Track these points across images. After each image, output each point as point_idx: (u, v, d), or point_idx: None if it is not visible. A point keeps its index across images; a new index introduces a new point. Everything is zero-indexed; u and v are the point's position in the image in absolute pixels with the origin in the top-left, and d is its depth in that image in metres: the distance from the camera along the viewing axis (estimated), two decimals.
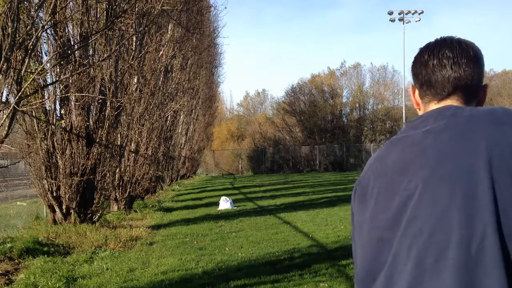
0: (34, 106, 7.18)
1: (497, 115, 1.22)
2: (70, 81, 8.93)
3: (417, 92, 1.39)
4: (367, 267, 1.26)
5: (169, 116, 19.59)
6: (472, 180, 1.14)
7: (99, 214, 10.05)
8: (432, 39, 1.38)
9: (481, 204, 1.12)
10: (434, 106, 1.34)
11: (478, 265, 1.10)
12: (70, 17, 8.60)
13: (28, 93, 5.96)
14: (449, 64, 1.29)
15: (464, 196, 1.14)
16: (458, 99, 1.32)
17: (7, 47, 4.77)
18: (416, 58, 1.37)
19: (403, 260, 1.17)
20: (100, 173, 10.03)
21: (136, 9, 10.11)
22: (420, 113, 1.39)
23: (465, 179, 1.15)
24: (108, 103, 9.96)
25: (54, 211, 9.69)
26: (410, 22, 38.21)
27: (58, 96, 8.98)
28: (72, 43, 8.93)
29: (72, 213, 9.56)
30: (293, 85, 50.90)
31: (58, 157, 9.34)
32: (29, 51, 5.30)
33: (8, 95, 5.32)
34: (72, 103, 9.35)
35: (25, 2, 6.08)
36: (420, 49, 1.37)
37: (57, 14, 7.11)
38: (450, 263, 1.11)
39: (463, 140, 1.19)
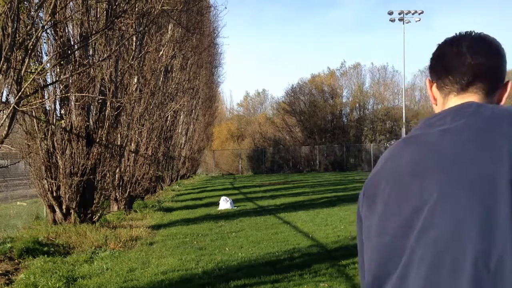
0: (34, 106, 7.18)
1: None
2: (70, 81, 8.93)
3: (434, 86, 1.33)
4: (375, 273, 1.19)
5: (169, 116, 19.59)
6: (492, 189, 1.06)
7: (99, 214, 10.05)
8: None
9: (501, 217, 1.04)
10: (453, 98, 1.28)
11: (497, 281, 1.03)
12: (70, 17, 8.60)
13: (28, 93, 5.96)
14: (469, 52, 1.25)
15: (483, 207, 1.06)
16: (478, 91, 1.26)
17: (7, 47, 4.77)
18: (434, 53, 1.33)
19: (415, 272, 1.10)
20: (100, 173, 10.03)
21: (136, 9, 10.12)
22: (437, 109, 1.31)
23: (484, 188, 1.07)
24: (108, 103, 9.96)
25: (54, 211, 9.69)
26: (410, 22, 38.25)
27: (58, 96, 8.98)
28: (72, 43, 8.93)
29: (72, 213, 9.56)
30: (293, 85, 50.96)
31: (58, 157, 9.34)
32: (29, 51, 5.30)
33: (8, 95, 5.32)
34: (72, 103, 9.35)
35: (25, 2, 6.08)
36: (438, 45, 1.33)
37: (57, 14, 7.11)
38: (466, 278, 1.04)
39: (483, 143, 1.11)
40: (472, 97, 1.25)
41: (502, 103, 1.28)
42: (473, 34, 1.29)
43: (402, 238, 1.14)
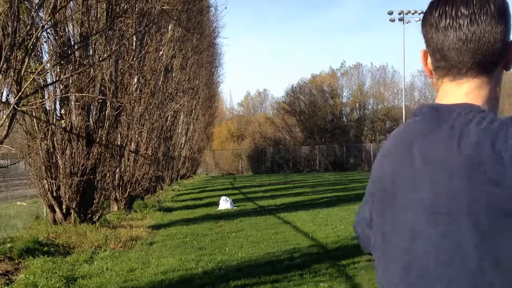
0: (34, 106, 7.17)
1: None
2: (70, 81, 8.93)
3: (429, 59, 1.12)
4: None
5: (169, 116, 19.60)
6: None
7: (99, 214, 10.05)
8: None
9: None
10: (448, 83, 1.08)
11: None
12: (70, 17, 8.60)
13: (28, 93, 5.96)
14: (465, 24, 1.03)
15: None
16: (476, 74, 1.06)
17: (7, 47, 4.77)
18: (425, 15, 1.11)
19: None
20: (100, 173, 10.02)
21: (136, 9, 10.12)
22: (434, 83, 1.13)
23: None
24: (108, 103, 9.96)
25: (54, 211, 9.68)
26: (410, 22, 38.26)
27: (58, 96, 8.98)
28: (72, 43, 8.93)
29: (72, 213, 9.56)
30: (293, 85, 51.00)
31: (58, 157, 9.34)
32: (29, 51, 5.30)
33: (8, 95, 5.32)
34: (72, 103, 9.35)
35: (25, 2, 6.08)
36: (429, 3, 1.10)
37: (57, 14, 7.11)
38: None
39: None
40: (468, 84, 1.07)
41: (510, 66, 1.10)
42: None
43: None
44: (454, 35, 1.04)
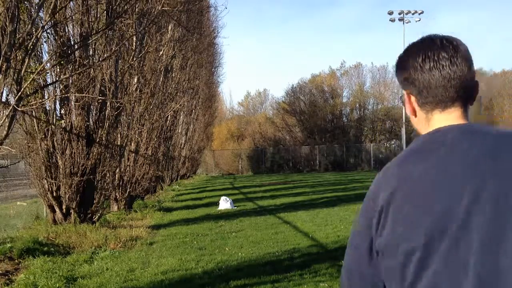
0: (34, 106, 7.17)
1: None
2: (70, 81, 8.93)
3: (413, 98, 1.29)
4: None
5: (169, 116, 19.59)
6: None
7: (99, 214, 10.05)
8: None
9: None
10: (439, 115, 1.27)
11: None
12: (70, 17, 8.60)
13: (28, 93, 5.96)
14: (447, 65, 1.23)
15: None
16: (460, 104, 1.26)
17: (6, 47, 4.77)
18: (405, 61, 1.29)
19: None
20: (100, 173, 10.02)
21: (136, 9, 10.11)
22: (418, 123, 1.31)
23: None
24: (108, 103, 9.95)
25: (54, 211, 9.68)
26: (410, 22, 38.24)
27: (58, 96, 8.97)
28: (72, 43, 8.93)
29: (72, 213, 9.56)
30: (293, 85, 50.96)
31: (58, 157, 9.34)
32: (29, 51, 5.30)
33: (8, 95, 5.31)
34: (72, 103, 9.35)
35: (25, 2, 6.08)
36: (405, 51, 1.29)
37: (57, 14, 7.11)
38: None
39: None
40: (457, 111, 1.26)
41: (474, 101, 1.30)
42: (444, 41, 1.25)
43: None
44: (439, 74, 1.23)
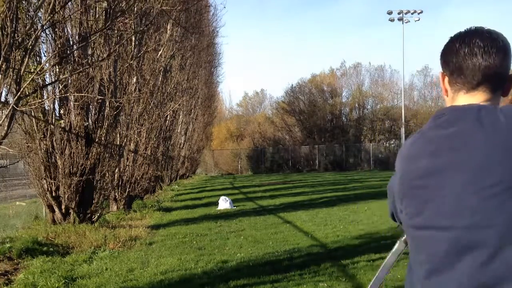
0: (33, 106, 7.17)
1: None
2: (69, 81, 8.92)
3: (446, 79, 1.45)
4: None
5: (168, 116, 19.57)
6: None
7: (98, 214, 10.04)
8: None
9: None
10: (462, 95, 1.41)
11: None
12: (69, 17, 8.58)
13: (27, 93, 5.95)
14: (480, 53, 1.36)
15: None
16: (486, 89, 1.39)
17: (6, 47, 4.76)
18: (447, 46, 1.44)
19: None
20: (99, 173, 10.02)
21: (135, 9, 10.10)
22: (447, 101, 1.46)
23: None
24: (107, 103, 9.95)
25: (53, 211, 9.68)
26: (409, 21, 38.27)
27: (57, 96, 8.97)
28: (71, 43, 8.92)
29: (71, 213, 9.55)
30: (292, 84, 50.97)
31: (57, 157, 9.33)
32: (28, 51, 5.29)
33: (7, 95, 5.31)
34: (71, 103, 9.34)
35: (23, 2, 6.07)
36: (450, 37, 1.43)
37: (56, 14, 7.10)
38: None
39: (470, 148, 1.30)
40: (480, 95, 1.39)
41: (509, 95, 1.44)
42: (484, 32, 1.39)
43: None
44: (471, 60, 1.37)
